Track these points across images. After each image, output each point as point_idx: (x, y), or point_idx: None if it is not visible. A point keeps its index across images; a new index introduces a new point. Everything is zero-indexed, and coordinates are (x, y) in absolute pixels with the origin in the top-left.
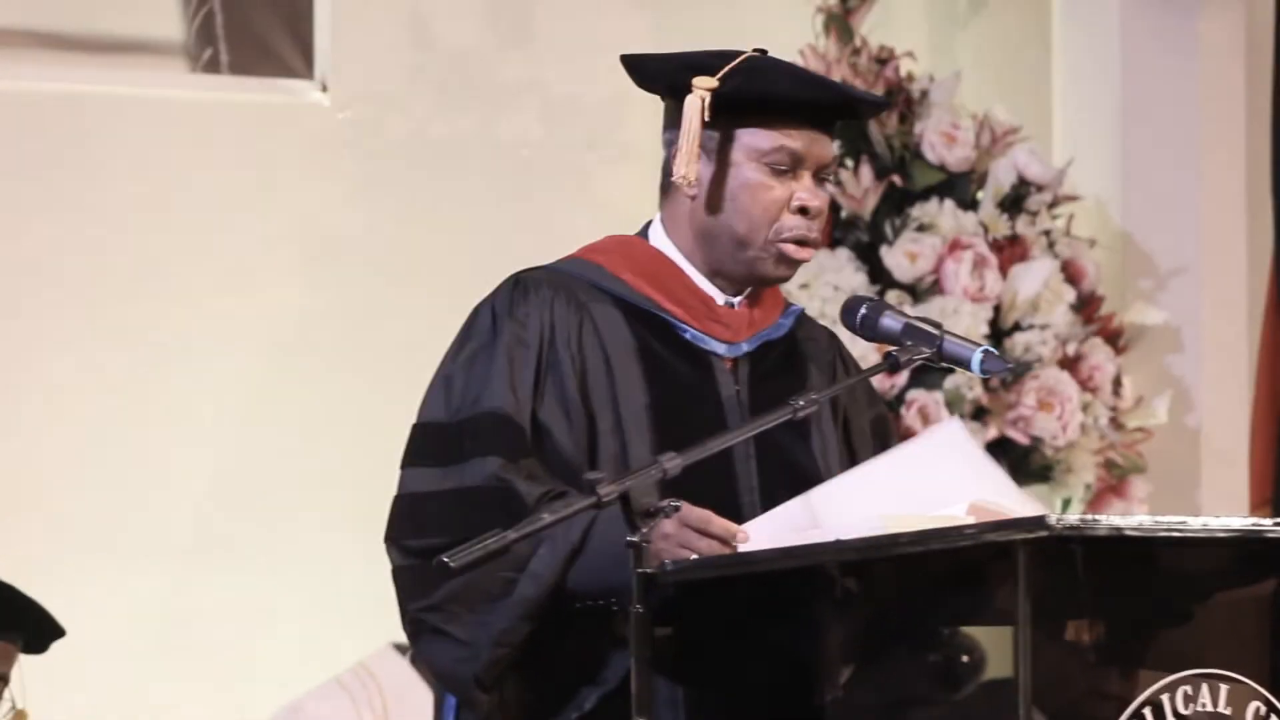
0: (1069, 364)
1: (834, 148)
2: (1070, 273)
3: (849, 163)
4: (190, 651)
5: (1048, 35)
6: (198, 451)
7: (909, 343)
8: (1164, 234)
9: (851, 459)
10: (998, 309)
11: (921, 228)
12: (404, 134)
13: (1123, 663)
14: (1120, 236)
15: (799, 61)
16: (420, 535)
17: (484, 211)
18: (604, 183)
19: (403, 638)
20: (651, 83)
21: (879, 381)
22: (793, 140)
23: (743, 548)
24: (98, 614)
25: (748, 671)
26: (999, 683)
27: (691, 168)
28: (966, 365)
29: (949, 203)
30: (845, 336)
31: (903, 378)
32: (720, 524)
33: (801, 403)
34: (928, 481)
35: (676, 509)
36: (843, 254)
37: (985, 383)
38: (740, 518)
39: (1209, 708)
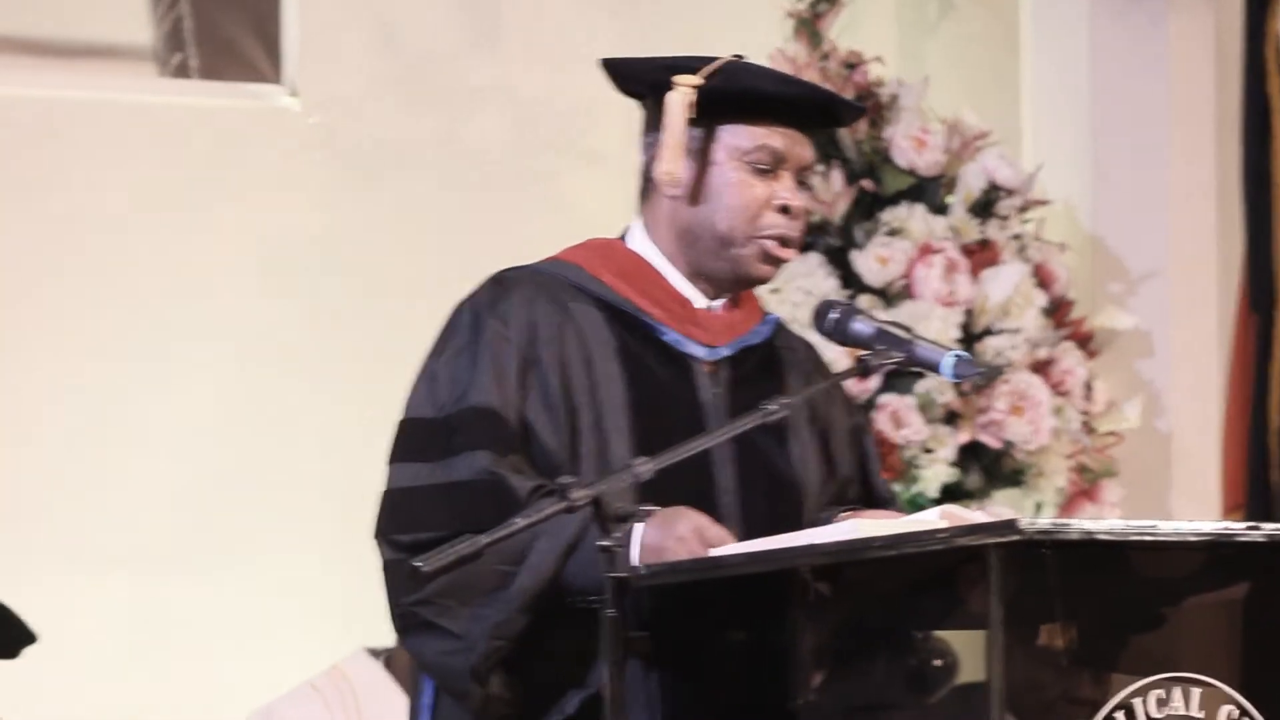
0: (1040, 368)
1: (813, 150)
2: (1041, 277)
3: (820, 167)
4: (162, 657)
5: (1016, 39)
6: (167, 458)
7: (880, 347)
8: (1134, 238)
9: (830, 466)
10: (969, 313)
11: (892, 232)
12: (373, 138)
13: (1095, 666)
14: (1090, 240)
15: (768, 65)
16: (410, 530)
17: (453, 216)
18: (572, 187)
19: (375, 642)
20: (632, 85)
21: (851, 386)
22: (775, 139)
23: None
24: (70, 620)
25: (722, 675)
26: (971, 687)
27: (676, 164)
28: (938, 370)
29: (919, 207)
30: (816, 341)
31: (874, 382)
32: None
33: (773, 406)
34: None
35: (649, 514)
36: (813, 259)
37: (957, 387)
38: (718, 521)
39: (1181, 711)
